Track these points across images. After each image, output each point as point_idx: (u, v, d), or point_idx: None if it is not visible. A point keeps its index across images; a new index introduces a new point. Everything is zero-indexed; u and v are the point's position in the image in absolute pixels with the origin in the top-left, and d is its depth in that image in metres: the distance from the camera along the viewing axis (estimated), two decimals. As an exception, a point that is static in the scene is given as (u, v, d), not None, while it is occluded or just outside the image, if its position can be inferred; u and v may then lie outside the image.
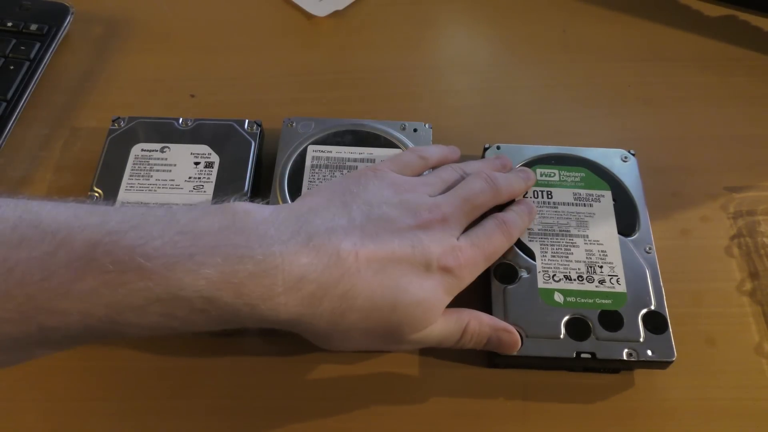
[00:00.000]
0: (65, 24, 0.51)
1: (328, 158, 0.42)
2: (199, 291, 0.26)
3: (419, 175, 0.38)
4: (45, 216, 0.27)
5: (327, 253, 0.29)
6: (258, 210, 0.30)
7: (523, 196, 0.40)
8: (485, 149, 0.42)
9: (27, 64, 0.48)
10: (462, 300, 0.37)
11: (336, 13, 0.54)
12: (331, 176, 0.41)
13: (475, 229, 0.35)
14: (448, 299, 0.33)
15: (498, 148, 0.42)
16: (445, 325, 0.33)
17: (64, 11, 0.52)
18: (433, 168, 0.40)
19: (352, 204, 0.33)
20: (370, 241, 0.31)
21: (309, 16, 0.54)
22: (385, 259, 0.31)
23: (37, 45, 0.49)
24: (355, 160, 0.42)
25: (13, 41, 0.49)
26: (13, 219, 0.26)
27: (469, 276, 0.34)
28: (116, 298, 0.26)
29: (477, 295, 0.39)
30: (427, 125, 0.44)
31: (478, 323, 0.34)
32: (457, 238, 0.34)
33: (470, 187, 0.36)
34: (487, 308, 0.37)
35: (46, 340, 0.26)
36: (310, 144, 0.43)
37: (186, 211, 0.29)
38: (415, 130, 0.43)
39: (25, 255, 0.25)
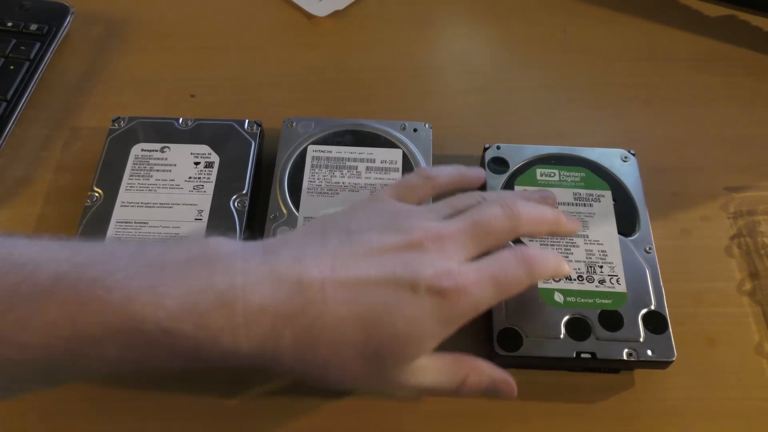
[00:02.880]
0: (65, 24, 0.51)
1: (328, 158, 0.42)
2: (158, 323, 0.26)
3: (426, 199, 0.35)
4: (16, 250, 0.27)
5: (289, 283, 0.27)
6: (229, 243, 0.29)
7: None
8: (485, 149, 0.42)
9: (27, 64, 0.48)
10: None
11: (336, 13, 0.54)
12: (331, 176, 0.41)
13: (486, 257, 0.30)
14: (442, 330, 0.28)
15: (498, 148, 0.42)
16: (441, 372, 0.30)
17: (64, 11, 0.52)
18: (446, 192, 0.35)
19: (329, 232, 0.30)
20: (342, 268, 0.28)
21: (309, 16, 0.54)
22: (357, 286, 0.27)
23: (37, 45, 0.49)
24: (355, 160, 0.42)
25: (13, 41, 0.49)
26: None
27: (470, 306, 0.28)
28: (75, 331, 0.25)
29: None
30: (427, 125, 0.44)
31: (479, 376, 0.31)
32: (460, 263, 0.29)
33: (482, 210, 0.31)
34: (488, 309, 0.36)
35: (10, 375, 0.26)
36: (310, 144, 0.43)
37: (156, 245, 0.29)
38: (415, 130, 0.43)
39: None
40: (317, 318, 0.27)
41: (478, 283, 0.29)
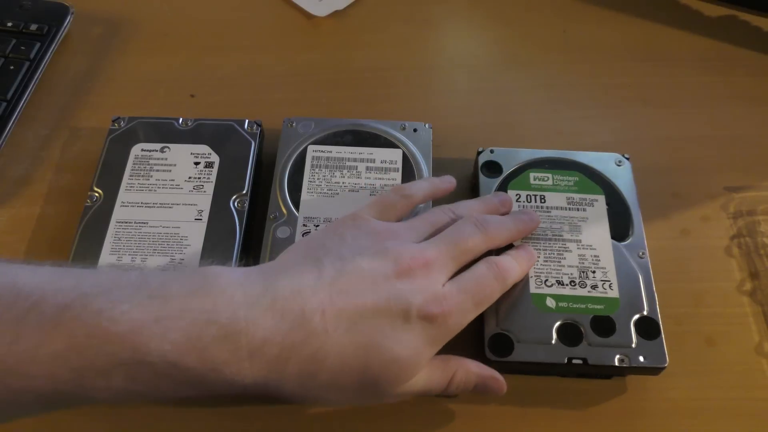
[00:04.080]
0: (65, 24, 0.51)
1: (328, 158, 0.42)
2: (163, 355, 0.26)
3: (405, 215, 0.36)
4: (20, 279, 0.27)
5: (291, 314, 0.28)
6: (229, 273, 0.29)
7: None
8: (478, 153, 0.42)
9: (27, 64, 0.48)
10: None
11: (336, 13, 0.54)
12: (331, 176, 0.41)
13: (464, 274, 0.33)
14: (432, 351, 0.31)
15: (491, 151, 0.42)
16: (430, 375, 0.31)
17: (64, 11, 0.52)
18: (423, 204, 0.38)
19: (323, 259, 0.31)
20: (339, 298, 0.29)
21: (309, 16, 0.54)
22: (355, 315, 0.29)
23: (37, 45, 0.49)
24: (355, 160, 0.42)
25: (13, 41, 0.49)
26: None
27: (456, 324, 0.31)
28: (82, 362, 0.26)
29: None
30: (427, 125, 0.44)
31: (465, 373, 0.33)
32: (443, 285, 0.32)
33: (459, 230, 0.34)
34: (479, 314, 0.36)
35: (15, 403, 0.27)
36: (310, 144, 0.43)
37: (158, 274, 0.29)
38: (415, 130, 0.43)
39: None
40: (320, 348, 0.28)
41: (461, 304, 0.31)
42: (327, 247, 0.32)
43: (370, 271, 0.31)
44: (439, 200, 0.39)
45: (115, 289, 0.27)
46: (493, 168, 0.41)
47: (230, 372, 0.27)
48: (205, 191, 0.41)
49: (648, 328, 0.35)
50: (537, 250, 0.38)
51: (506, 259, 0.35)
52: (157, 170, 0.41)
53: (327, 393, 0.30)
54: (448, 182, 0.39)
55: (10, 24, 0.50)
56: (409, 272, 0.31)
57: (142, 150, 0.42)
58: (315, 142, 0.43)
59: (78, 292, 0.27)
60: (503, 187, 0.41)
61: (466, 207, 0.37)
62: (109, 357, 0.26)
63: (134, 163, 0.42)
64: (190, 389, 0.28)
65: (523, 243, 0.38)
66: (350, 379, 0.29)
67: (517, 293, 0.36)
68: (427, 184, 0.38)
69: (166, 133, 0.43)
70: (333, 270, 0.30)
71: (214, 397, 0.29)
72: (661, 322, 0.35)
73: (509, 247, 0.37)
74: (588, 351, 0.35)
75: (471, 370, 0.33)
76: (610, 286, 0.37)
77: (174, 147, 0.42)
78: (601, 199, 0.40)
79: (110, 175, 0.41)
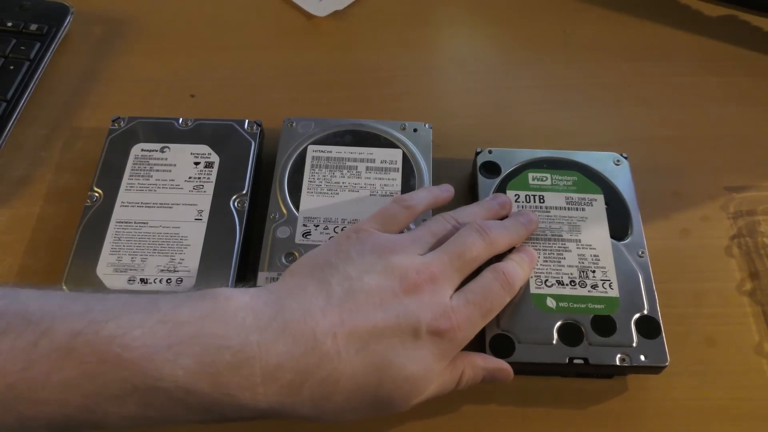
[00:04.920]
0: (65, 24, 0.51)
1: (328, 158, 0.42)
2: (176, 381, 0.26)
3: (407, 226, 0.37)
4: (31, 305, 0.27)
5: (304, 338, 0.28)
6: (238, 296, 0.29)
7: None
8: (477, 153, 0.42)
9: (27, 64, 0.48)
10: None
11: (336, 13, 0.54)
12: (331, 176, 0.41)
13: (470, 285, 0.33)
14: (443, 365, 0.31)
15: (490, 152, 0.42)
16: (441, 380, 0.32)
17: (64, 11, 0.52)
18: (423, 214, 0.38)
19: (331, 279, 0.31)
20: (350, 319, 0.29)
21: (309, 16, 0.54)
22: (366, 335, 0.29)
23: (37, 45, 0.49)
24: (355, 160, 0.42)
25: (13, 41, 0.49)
26: (1, 307, 0.27)
27: (464, 337, 0.32)
28: (94, 389, 0.26)
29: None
30: (427, 125, 0.44)
31: (473, 369, 0.33)
32: (450, 297, 0.32)
33: (461, 241, 0.34)
34: None
35: (26, 429, 0.26)
36: (310, 144, 0.43)
37: (168, 299, 0.29)
38: (415, 130, 0.43)
39: (8, 345, 0.25)
40: (333, 370, 0.28)
41: (469, 317, 0.32)
42: (333, 265, 0.32)
43: (378, 290, 0.31)
44: (439, 208, 0.39)
45: (126, 315, 0.27)
46: (491, 168, 0.41)
47: (244, 397, 0.27)
48: (205, 191, 0.41)
49: (649, 327, 0.35)
50: (537, 250, 0.38)
51: (511, 265, 0.35)
52: (157, 170, 0.41)
53: (342, 413, 0.30)
54: (447, 191, 0.39)
55: (10, 24, 0.50)
56: (416, 288, 0.31)
57: (142, 150, 0.42)
58: (315, 142, 0.43)
59: (89, 319, 0.27)
60: (502, 188, 0.41)
61: (467, 214, 0.37)
62: (122, 383, 0.26)
63: (134, 163, 0.42)
64: (204, 414, 0.28)
65: (522, 244, 0.38)
66: (364, 398, 0.29)
67: (517, 294, 0.36)
68: (427, 193, 0.38)
69: (166, 133, 0.43)
70: (341, 290, 0.30)
71: (228, 422, 0.28)
72: (661, 321, 0.35)
73: (510, 250, 0.37)
74: (589, 351, 0.35)
75: (478, 365, 0.33)
76: (610, 286, 0.37)
77: (174, 147, 0.42)
78: (600, 199, 0.40)
79: (110, 175, 0.41)
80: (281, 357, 0.28)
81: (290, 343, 0.28)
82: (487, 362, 0.34)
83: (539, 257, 0.38)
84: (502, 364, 0.34)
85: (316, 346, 0.28)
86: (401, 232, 0.36)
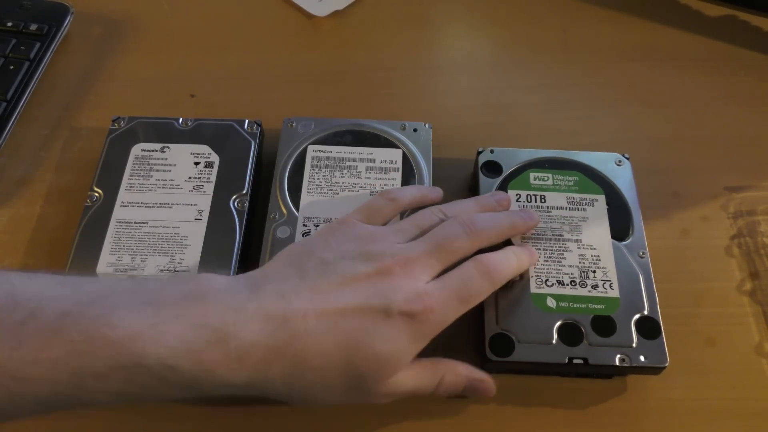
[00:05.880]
0: (65, 24, 0.51)
1: (328, 158, 0.42)
2: (160, 359, 0.27)
3: (392, 219, 0.37)
4: (18, 286, 0.28)
5: (275, 317, 0.29)
6: (218, 280, 0.31)
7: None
8: (478, 153, 0.42)
9: (27, 64, 0.48)
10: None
11: (336, 13, 0.54)
12: (331, 176, 0.41)
13: (449, 273, 0.33)
14: (416, 347, 0.31)
15: (492, 151, 0.42)
16: (419, 377, 0.32)
17: (64, 11, 0.52)
18: (411, 210, 0.38)
19: (306, 264, 0.32)
20: (321, 299, 0.30)
21: (309, 16, 0.54)
22: (336, 314, 0.30)
23: (37, 45, 0.49)
24: (355, 159, 0.42)
25: (13, 41, 0.49)
26: None
27: (439, 321, 0.31)
28: (81, 367, 0.27)
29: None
30: (427, 125, 0.44)
31: (454, 375, 0.33)
32: (427, 283, 0.32)
33: (443, 231, 0.34)
34: (479, 313, 0.36)
35: (15, 406, 0.27)
36: (310, 144, 0.43)
37: (153, 281, 0.30)
38: (415, 130, 0.43)
39: None
40: (303, 348, 0.29)
41: (444, 301, 0.31)
42: (311, 252, 0.33)
43: (351, 273, 0.31)
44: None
45: (112, 296, 0.29)
46: (493, 168, 0.41)
47: (221, 374, 0.28)
48: (205, 191, 0.41)
49: (649, 327, 0.35)
50: (537, 250, 0.38)
51: (494, 256, 0.34)
52: (157, 170, 0.41)
53: (314, 392, 0.31)
54: (436, 192, 0.39)
55: (10, 24, 0.50)
56: (390, 271, 0.31)
57: (142, 150, 0.42)
58: (315, 142, 0.43)
59: (75, 300, 0.28)
60: (503, 187, 0.41)
61: (458, 208, 0.37)
62: (108, 361, 0.27)
63: (134, 163, 0.42)
64: (185, 390, 0.29)
65: (523, 244, 0.38)
66: (335, 377, 0.30)
67: (517, 293, 0.36)
68: (415, 190, 0.39)
69: (166, 133, 0.43)
70: (315, 273, 0.31)
71: (207, 397, 0.30)
72: (661, 322, 0.35)
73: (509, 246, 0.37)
74: (589, 351, 0.35)
75: (460, 372, 0.33)
76: (610, 286, 0.37)
77: (174, 147, 0.42)
78: (601, 199, 0.40)
79: (110, 175, 0.41)
80: (254, 335, 0.29)
81: (263, 322, 0.29)
82: (470, 372, 0.34)
83: (540, 257, 0.37)
84: (485, 377, 0.34)
85: (287, 325, 0.29)
86: (385, 224, 0.36)
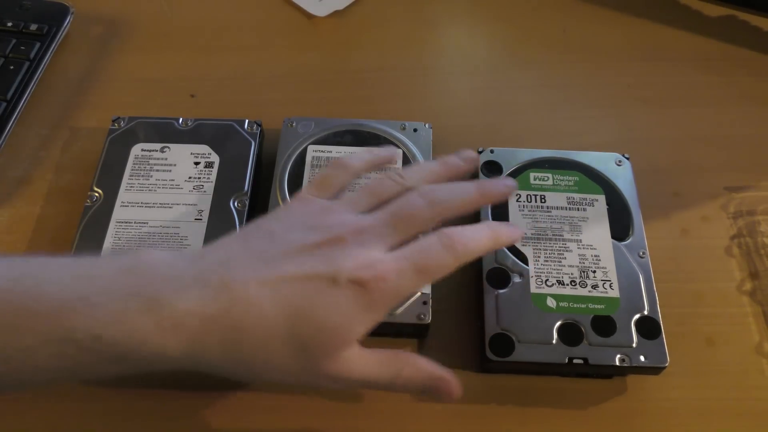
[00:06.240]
0: (65, 24, 0.51)
1: (328, 158, 0.42)
2: (88, 331, 0.27)
3: (343, 187, 0.35)
4: None
5: (215, 286, 0.28)
6: (160, 254, 0.30)
7: (517, 201, 0.39)
8: (479, 153, 0.42)
9: (27, 64, 0.48)
10: (453, 305, 0.37)
11: (336, 13, 0.54)
12: (331, 176, 0.41)
13: (408, 244, 0.31)
14: (367, 318, 0.29)
15: (492, 151, 0.42)
16: (373, 365, 0.30)
17: (64, 11, 0.52)
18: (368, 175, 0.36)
19: (253, 236, 0.31)
20: (264, 268, 0.29)
21: (309, 16, 0.54)
22: (279, 282, 0.28)
23: (37, 45, 0.49)
24: (355, 160, 0.42)
25: (13, 41, 0.49)
26: None
27: (393, 291, 0.29)
28: (8, 340, 0.26)
29: (469, 300, 0.39)
30: (427, 125, 0.44)
31: (414, 370, 0.30)
32: (382, 253, 0.30)
33: (400, 201, 0.32)
34: (479, 313, 0.36)
35: None
36: (310, 144, 0.43)
37: (90, 257, 0.30)
38: (415, 130, 0.43)
39: None
40: (242, 317, 0.28)
41: (398, 270, 0.29)
42: (261, 226, 0.32)
43: (300, 242, 0.30)
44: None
45: (43, 272, 0.28)
46: (493, 168, 0.41)
47: (154, 344, 0.27)
48: (205, 191, 0.41)
49: (648, 327, 0.35)
50: (537, 249, 0.38)
51: (462, 229, 0.31)
52: (157, 170, 0.41)
53: (255, 365, 0.29)
54: (389, 152, 0.37)
55: (10, 24, 0.50)
56: (340, 240, 0.30)
57: (142, 150, 0.42)
58: (315, 142, 0.43)
59: (8, 277, 0.28)
60: None
61: (418, 170, 0.35)
62: (36, 335, 0.26)
63: (134, 163, 0.42)
64: (117, 365, 0.28)
65: (509, 223, 0.37)
66: (277, 348, 0.28)
67: (517, 293, 0.36)
68: (367, 154, 0.37)
69: (166, 133, 0.43)
70: (260, 244, 0.30)
71: (143, 373, 0.29)
72: (661, 322, 0.35)
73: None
74: (589, 351, 0.35)
75: (421, 367, 0.31)
76: (610, 286, 0.37)
77: (174, 147, 0.42)
78: (601, 199, 0.40)
79: (110, 175, 0.41)
80: (190, 303, 0.27)
81: (200, 290, 0.28)
82: (433, 369, 0.31)
83: (540, 257, 0.37)
84: (448, 377, 0.30)
85: (227, 293, 0.28)
86: (338, 194, 0.34)
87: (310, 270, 0.29)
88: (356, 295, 0.28)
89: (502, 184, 0.36)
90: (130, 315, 0.27)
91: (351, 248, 0.29)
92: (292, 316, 0.28)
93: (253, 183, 0.41)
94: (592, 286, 0.37)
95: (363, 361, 0.30)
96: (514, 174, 0.41)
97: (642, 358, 0.34)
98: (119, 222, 0.39)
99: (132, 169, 0.41)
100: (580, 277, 0.37)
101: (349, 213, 0.32)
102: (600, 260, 0.38)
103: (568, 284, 0.37)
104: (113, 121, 0.43)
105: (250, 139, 0.43)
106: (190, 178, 0.41)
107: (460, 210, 0.33)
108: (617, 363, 0.34)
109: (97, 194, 0.40)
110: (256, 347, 0.28)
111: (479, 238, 0.32)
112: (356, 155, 0.37)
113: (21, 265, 0.29)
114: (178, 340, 0.27)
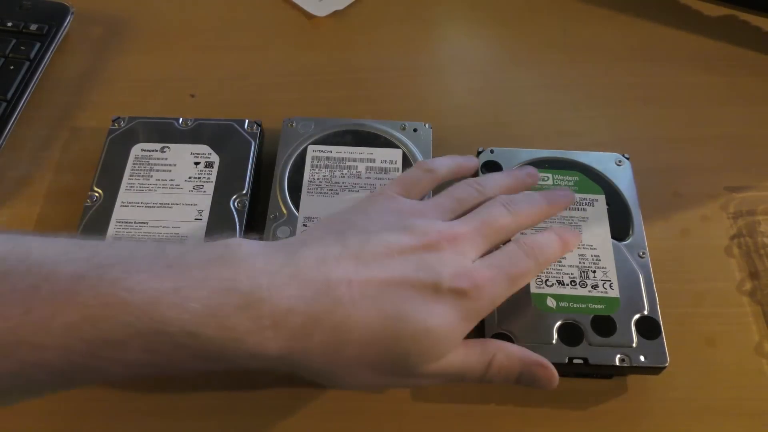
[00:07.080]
0: (65, 24, 0.51)
1: (328, 158, 0.42)
2: (181, 325, 0.25)
3: (429, 191, 0.36)
4: (34, 249, 0.26)
5: (316, 283, 0.27)
6: (249, 244, 0.28)
7: None
8: (479, 152, 0.42)
9: (27, 64, 0.48)
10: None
11: (336, 13, 0.54)
12: (331, 176, 0.41)
13: (494, 253, 0.32)
14: (466, 326, 0.29)
15: (492, 151, 0.42)
16: (467, 357, 0.30)
17: (64, 11, 0.52)
18: (447, 182, 0.36)
19: (347, 232, 0.30)
20: (366, 269, 0.28)
21: (309, 16, 0.54)
22: (383, 285, 0.28)
23: (37, 45, 0.49)
24: (355, 159, 0.42)
25: (13, 41, 0.49)
26: (3, 252, 0.26)
27: (489, 300, 0.30)
28: (97, 333, 0.25)
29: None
30: (427, 125, 0.44)
31: (506, 356, 0.31)
32: (474, 261, 0.30)
33: (487, 211, 0.33)
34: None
35: (28, 379, 0.26)
36: (310, 144, 0.43)
37: (177, 246, 0.29)
38: (415, 130, 0.43)
39: (9, 287, 0.25)
40: (346, 318, 0.27)
41: (494, 279, 0.30)
42: (351, 221, 0.31)
43: (397, 244, 0.29)
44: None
45: (132, 260, 0.27)
46: (493, 168, 0.41)
47: (253, 342, 0.26)
48: (205, 191, 0.41)
49: (649, 327, 0.35)
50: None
51: (537, 237, 0.33)
52: (157, 170, 0.41)
53: (354, 369, 0.28)
54: (471, 162, 0.38)
55: (10, 24, 0.50)
56: (437, 245, 0.30)
57: (142, 150, 0.42)
58: (315, 142, 0.43)
59: (93, 263, 0.26)
60: None
61: (492, 179, 0.36)
62: (126, 327, 0.25)
63: (134, 163, 0.42)
64: (210, 362, 0.27)
65: (566, 227, 0.38)
66: (379, 352, 0.28)
67: (517, 293, 0.36)
68: (450, 160, 0.37)
69: (166, 133, 0.43)
70: (358, 242, 0.29)
71: (235, 370, 0.28)
72: (661, 322, 0.35)
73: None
74: (589, 351, 0.35)
75: (513, 353, 0.31)
76: (610, 286, 0.37)
77: (174, 147, 0.42)
78: (601, 199, 0.40)
79: (110, 175, 0.41)
80: (292, 300, 0.26)
81: (302, 287, 0.27)
82: (524, 354, 0.31)
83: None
84: (545, 362, 0.31)
85: (329, 292, 0.27)
86: (423, 197, 0.35)
87: (412, 275, 0.28)
88: (456, 304, 0.29)
89: (564, 194, 0.37)
90: (228, 311, 0.26)
91: (448, 255, 0.30)
92: (397, 321, 0.28)
93: (253, 183, 0.41)
94: (592, 286, 0.37)
95: (457, 357, 0.30)
96: None
97: (642, 358, 0.34)
98: (119, 222, 0.39)
99: (132, 169, 0.41)
100: (580, 277, 0.37)
101: (439, 218, 0.32)
102: (600, 260, 0.38)
103: (568, 284, 0.37)
104: (113, 121, 0.43)
105: (250, 139, 0.43)
106: (190, 178, 0.41)
107: (534, 221, 0.35)
108: (617, 363, 0.34)
109: (97, 194, 0.40)
110: (359, 351, 0.28)
111: (553, 245, 0.33)
112: (440, 161, 0.37)
113: (107, 251, 0.27)
114: (278, 339, 0.26)
